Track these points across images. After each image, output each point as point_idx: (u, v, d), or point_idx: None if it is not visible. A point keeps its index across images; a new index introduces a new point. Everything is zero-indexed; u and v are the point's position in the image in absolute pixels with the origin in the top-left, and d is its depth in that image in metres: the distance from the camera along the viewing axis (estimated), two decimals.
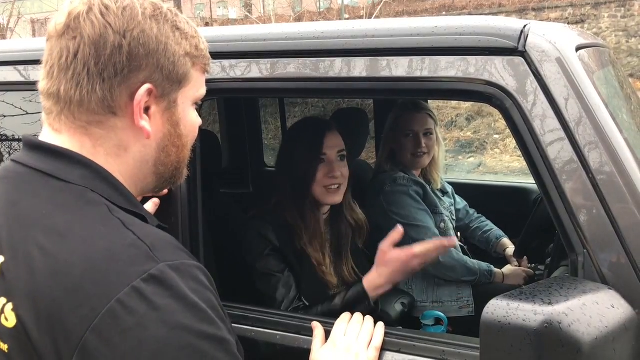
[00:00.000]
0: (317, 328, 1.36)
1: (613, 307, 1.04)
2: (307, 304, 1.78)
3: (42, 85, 0.96)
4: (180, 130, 1.01)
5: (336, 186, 1.90)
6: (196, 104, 1.05)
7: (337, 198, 1.92)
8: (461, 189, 2.96)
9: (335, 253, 1.99)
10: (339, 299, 1.71)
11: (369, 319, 1.38)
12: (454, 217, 2.74)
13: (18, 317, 0.83)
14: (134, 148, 0.97)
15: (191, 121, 1.03)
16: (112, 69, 0.91)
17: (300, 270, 1.83)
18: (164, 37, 0.95)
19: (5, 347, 0.85)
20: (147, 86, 0.93)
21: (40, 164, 0.93)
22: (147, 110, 0.95)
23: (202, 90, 1.05)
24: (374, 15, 15.36)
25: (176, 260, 0.86)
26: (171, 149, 1.01)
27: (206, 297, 0.86)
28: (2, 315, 0.85)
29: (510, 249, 2.71)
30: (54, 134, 0.96)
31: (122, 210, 0.92)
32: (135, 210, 0.94)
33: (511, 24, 1.21)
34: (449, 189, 2.83)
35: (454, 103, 10.97)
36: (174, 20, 0.97)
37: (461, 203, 2.90)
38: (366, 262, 2.10)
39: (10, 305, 0.85)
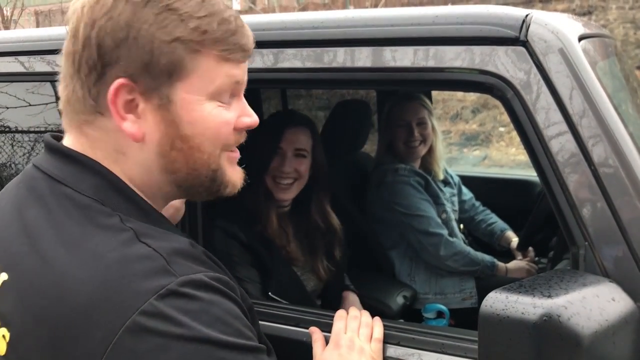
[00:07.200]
0: (316, 332, 1.33)
1: (614, 300, 1.03)
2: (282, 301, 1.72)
3: None
4: (182, 130, 0.86)
5: (286, 182, 1.87)
6: (232, 95, 0.90)
7: (286, 195, 1.89)
8: (466, 181, 2.94)
9: (309, 250, 1.96)
10: None
11: (366, 313, 1.37)
12: (456, 208, 2.72)
13: (13, 342, 0.78)
14: (131, 153, 0.87)
15: (204, 119, 0.86)
16: (85, 66, 0.83)
17: (272, 264, 1.79)
18: (139, 22, 0.81)
19: None
20: (118, 81, 0.82)
21: (54, 170, 0.87)
22: (136, 109, 0.84)
23: (219, 81, 0.87)
24: (379, 7, 15.29)
25: (194, 272, 0.80)
26: (173, 153, 0.87)
27: (229, 308, 0.80)
28: None
29: (515, 241, 2.70)
30: (65, 134, 0.92)
31: (135, 220, 0.84)
32: (149, 223, 0.86)
33: (513, 13, 1.19)
34: (455, 180, 2.81)
35: (459, 95, 10.90)
36: (168, 3, 0.82)
37: (467, 195, 2.88)
38: (345, 262, 2.07)
39: (2, 331, 0.79)
